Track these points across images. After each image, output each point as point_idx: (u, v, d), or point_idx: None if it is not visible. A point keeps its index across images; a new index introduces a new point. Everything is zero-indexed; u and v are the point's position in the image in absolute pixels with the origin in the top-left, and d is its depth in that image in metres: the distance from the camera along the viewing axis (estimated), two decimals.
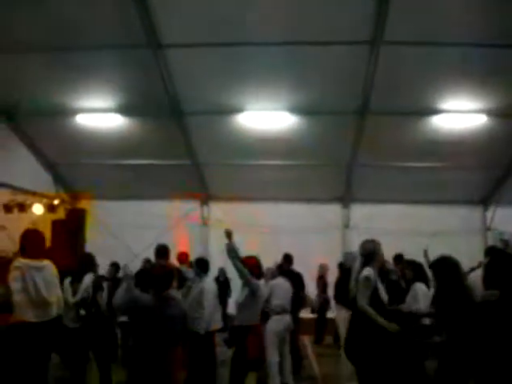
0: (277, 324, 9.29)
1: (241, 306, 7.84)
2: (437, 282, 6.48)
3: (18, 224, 11.96)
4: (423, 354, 7.14)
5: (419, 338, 7.29)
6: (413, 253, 9.53)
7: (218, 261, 12.92)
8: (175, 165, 15.21)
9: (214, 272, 13.48)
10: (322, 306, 13.93)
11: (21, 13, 10.17)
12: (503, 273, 4.38)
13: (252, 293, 7.71)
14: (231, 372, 6.99)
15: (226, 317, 9.65)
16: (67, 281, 8.23)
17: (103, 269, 11.06)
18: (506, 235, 14.36)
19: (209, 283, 9.07)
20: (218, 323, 8.83)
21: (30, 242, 6.65)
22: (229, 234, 7.78)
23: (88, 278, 8.34)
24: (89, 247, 14.27)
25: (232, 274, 8.07)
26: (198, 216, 16.71)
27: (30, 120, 13.79)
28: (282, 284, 9.83)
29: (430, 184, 15.01)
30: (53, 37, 10.79)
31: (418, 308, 7.61)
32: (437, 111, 12.93)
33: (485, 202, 16.36)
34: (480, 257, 9.82)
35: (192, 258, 10.67)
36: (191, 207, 16.57)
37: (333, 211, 16.34)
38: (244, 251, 8.40)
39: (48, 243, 7.19)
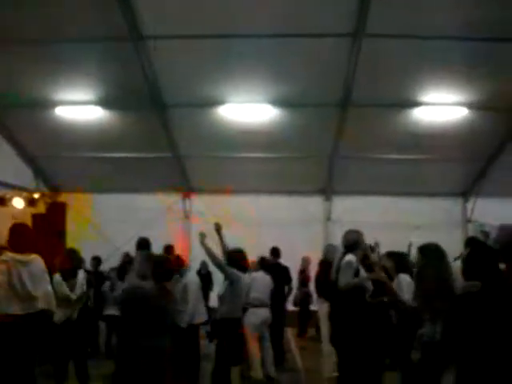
0: (254, 317, 9.31)
1: (222, 299, 7.83)
2: (423, 265, 6.51)
3: None
4: (407, 345, 7.15)
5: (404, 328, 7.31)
6: (394, 245, 9.56)
7: (201, 254, 12.82)
8: (156, 157, 15.13)
9: (196, 265, 13.49)
10: (304, 299, 13.97)
11: (0, 5, 10.04)
12: (484, 264, 4.39)
13: (231, 283, 7.68)
14: (215, 365, 6.97)
15: (208, 310, 9.65)
16: (57, 276, 8.11)
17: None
18: (486, 227, 14.49)
19: (191, 277, 9.07)
20: (202, 316, 8.83)
21: (18, 236, 6.62)
22: (218, 228, 7.77)
23: (81, 274, 8.33)
24: (70, 241, 14.17)
25: (214, 267, 8.01)
26: (180, 209, 16.64)
27: (8, 112, 13.61)
28: (262, 277, 9.86)
29: (411, 176, 15.08)
30: (32, 29, 10.65)
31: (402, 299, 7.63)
32: (418, 103, 12.99)
33: (465, 194, 16.49)
34: (461, 248, 9.89)
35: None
36: (173, 200, 16.50)
37: (315, 204, 16.38)
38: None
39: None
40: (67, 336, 7.96)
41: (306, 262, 14.10)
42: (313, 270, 12.33)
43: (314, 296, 12.06)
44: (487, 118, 13.28)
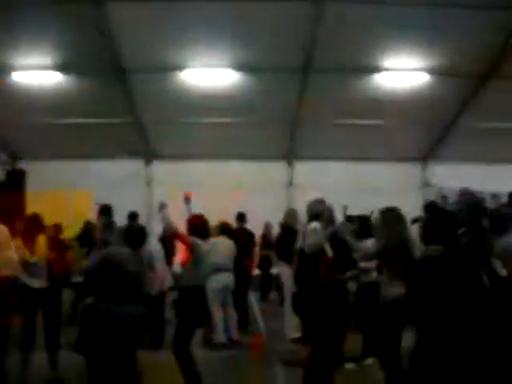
0: (216, 282, 9.36)
1: (183, 266, 7.81)
2: (384, 229, 6.65)
3: None
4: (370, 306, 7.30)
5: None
6: (356, 209, 9.69)
7: None
8: (117, 123, 14.88)
9: (158, 231, 13.45)
10: (265, 263, 14.10)
11: None
12: (444, 229, 4.46)
13: (191, 251, 7.65)
14: (177, 330, 7.00)
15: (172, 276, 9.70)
16: (18, 242, 7.98)
17: None
18: (445, 191, 14.77)
19: (155, 244, 9.08)
20: (168, 283, 8.88)
21: None
22: (188, 197, 7.68)
23: (42, 238, 8.19)
24: (30, 208, 13.97)
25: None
26: (141, 176, 16.51)
27: None
28: (223, 242, 9.89)
29: (372, 142, 15.21)
30: None
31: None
32: (379, 69, 13.06)
33: (425, 158, 16.71)
34: (420, 212, 10.07)
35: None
36: (135, 167, 16.35)
37: (277, 169, 16.42)
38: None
39: None
40: (40, 303, 7.84)
41: (267, 226, 14.23)
42: (274, 235, 12.45)
43: (275, 259, 12.17)
44: (448, 83, 13.42)
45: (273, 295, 13.93)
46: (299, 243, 6.97)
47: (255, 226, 12.56)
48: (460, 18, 11.18)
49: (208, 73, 13.20)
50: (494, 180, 14.42)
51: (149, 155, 16.44)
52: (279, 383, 7.77)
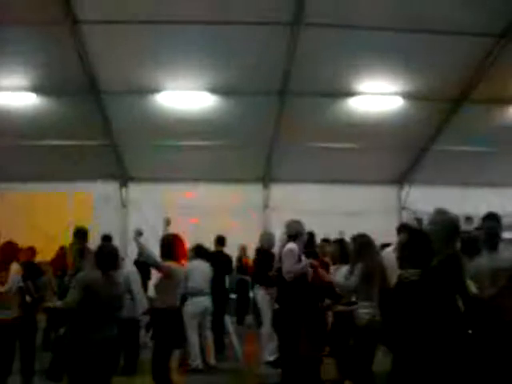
0: (193, 306, 9.33)
1: (158, 289, 7.72)
2: (356, 258, 6.70)
3: None
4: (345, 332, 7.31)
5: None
6: (331, 232, 9.73)
7: None
8: (92, 145, 14.75)
9: (133, 255, 13.32)
10: (242, 286, 14.04)
11: None
12: (422, 252, 4.45)
13: (165, 277, 7.56)
14: (154, 354, 6.92)
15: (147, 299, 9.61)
16: None
17: None
18: (418, 214, 14.87)
19: (131, 267, 9.02)
20: (145, 306, 8.82)
21: None
22: (168, 222, 7.64)
23: (15, 266, 8.01)
24: (2, 233, 13.75)
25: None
26: (117, 198, 16.37)
27: None
28: (199, 266, 9.84)
29: (348, 165, 15.28)
30: None
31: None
32: (354, 93, 13.18)
33: (400, 182, 16.82)
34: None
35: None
36: (110, 189, 16.21)
37: (253, 192, 16.37)
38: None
39: None
40: (14, 334, 7.67)
41: (242, 249, 14.20)
42: (250, 258, 12.43)
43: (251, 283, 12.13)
44: (421, 107, 13.60)
45: (249, 319, 13.83)
46: (276, 264, 7.01)
47: (231, 249, 12.52)
48: (433, 43, 11.39)
49: (184, 96, 13.20)
50: (467, 203, 14.55)
51: (124, 178, 16.32)
52: None
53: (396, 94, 13.18)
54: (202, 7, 10.60)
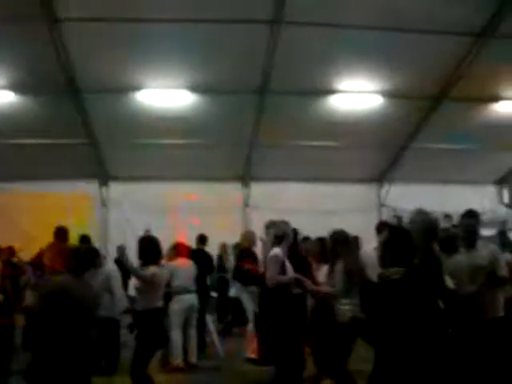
0: (179, 304, 9.31)
1: (139, 291, 7.65)
2: (333, 256, 6.76)
3: None
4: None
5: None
6: (312, 231, 9.73)
7: (118, 241, 12.63)
8: (72, 144, 14.65)
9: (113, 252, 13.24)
10: (222, 285, 14.01)
11: None
12: (405, 250, 4.45)
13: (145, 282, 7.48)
14: (135, 353, 6.88)
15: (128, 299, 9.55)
16: None
17: None
18: (398, 211, 14.98)
19: (111, 266, 8.96)
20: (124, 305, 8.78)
21: None
22: (122, 251, 7.27)
23: None
24: None
25: (132, 252, 7.65)
26: (97, 197, 16.26)
27: None
28: (183, 265, 9.81)
29: (328, 163, 15.33)
30: None
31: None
32: (334, 91, 13.23)
33: (380, 179, 16.92)
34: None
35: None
36: (91, 188, 16.08)
37: (233, 190, 16.36)
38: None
39: None
40: None
41: (223, 248, 14.17)
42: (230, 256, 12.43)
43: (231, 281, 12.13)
44: (401, 106, 13.69)
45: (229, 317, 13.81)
46: (261, 268, 7.06)
47: (211, 247, 12.50)
48: (413, 42, 11.47)
49: (164, 94, 13.17)
50: (447, 200, 14.68)
51: (104, 177, 16.23)
52: None
53: (376, 92, 13.26)
54: (180, 5, 10.60)
